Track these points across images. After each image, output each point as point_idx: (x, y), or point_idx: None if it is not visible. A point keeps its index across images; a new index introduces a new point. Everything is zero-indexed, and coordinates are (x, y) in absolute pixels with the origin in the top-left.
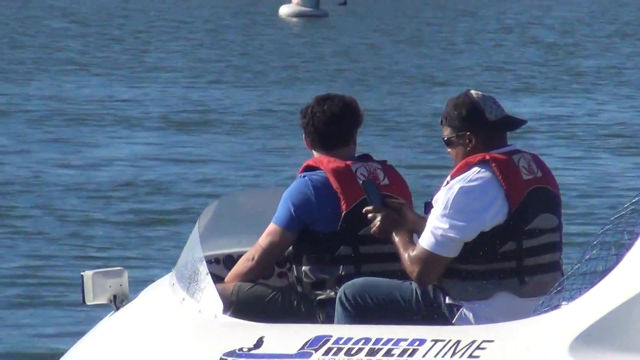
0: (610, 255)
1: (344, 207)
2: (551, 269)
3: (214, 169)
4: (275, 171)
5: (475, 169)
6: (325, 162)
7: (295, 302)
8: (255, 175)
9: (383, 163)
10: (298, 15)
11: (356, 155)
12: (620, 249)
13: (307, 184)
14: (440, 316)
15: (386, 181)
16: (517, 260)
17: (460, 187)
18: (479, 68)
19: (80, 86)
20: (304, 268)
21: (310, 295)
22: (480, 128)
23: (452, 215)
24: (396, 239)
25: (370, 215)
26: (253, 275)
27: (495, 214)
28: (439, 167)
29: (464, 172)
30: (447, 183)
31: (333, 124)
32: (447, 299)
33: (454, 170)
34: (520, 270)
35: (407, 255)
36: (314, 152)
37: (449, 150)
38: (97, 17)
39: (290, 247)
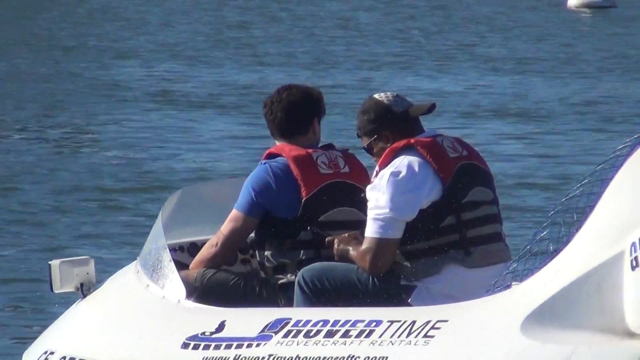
0: (561, 235)
1: (304, 193)
2: (493, 240)
3: None
4: None
5: (402, 154)
6: (287, 150)
7: (257, 287)
8: None
9: (344, 151)
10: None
11: (320, 144)
12: (570, 229)
13: (268, 171)
14: (396, 297)
15: (346, 169)
16: (458, 233)
17: (391, 173)
18: None
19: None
20: (266, 253)
21: (272, 280)
22: (392, 122)
23: (388, 199)
24: (352, 252)
25: (328, 243)
26: (217, 260)
27: (429, 191)
28: None
29: (391, 159)
30: (377, 174)
31: (291, 112)
32: (401, 280)
33: (381, 159)
34: (464, 242)
35: (357, 252)
36: (276, 141)
37: (374, 159)
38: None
39: (253, 234)
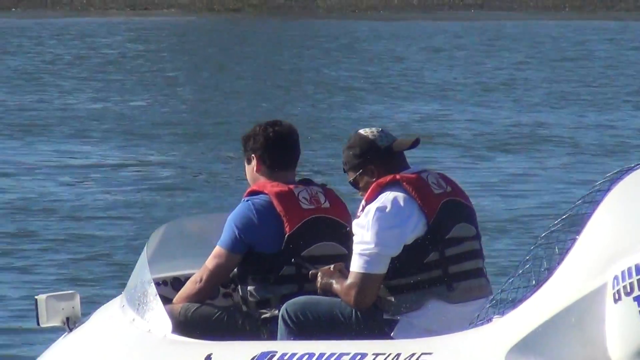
0: (542, 269)
1: (287, 228)
2: (476, 275)
3: None
4: None
5: (387, 190)
6: (269, 187)
7: (240, 321)
8: None
9: (323, 187)
10: None
11: (297, 179)
12: (551, 263)
13: (250, 207)
14: (379, 331)
15: (327, 204)
16: (442, 268)
17: (377, 208)
18: None
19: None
20: (249, 288)
21: (255, 314)
22: (377, 157)
23: (374, 235)
24: (335, 286)
25: (312, 276)
26: (201, 296)
27: (414, 227)
28: None
29: (377, 194)
30: (363, 208)
31: (282, 145)
32: (383, 314)
33: (367, 194)
34: (447, 277)
35: (342, 287)
36: (259, 176)
37: (360, 193)
38: None
39: (235, 269)
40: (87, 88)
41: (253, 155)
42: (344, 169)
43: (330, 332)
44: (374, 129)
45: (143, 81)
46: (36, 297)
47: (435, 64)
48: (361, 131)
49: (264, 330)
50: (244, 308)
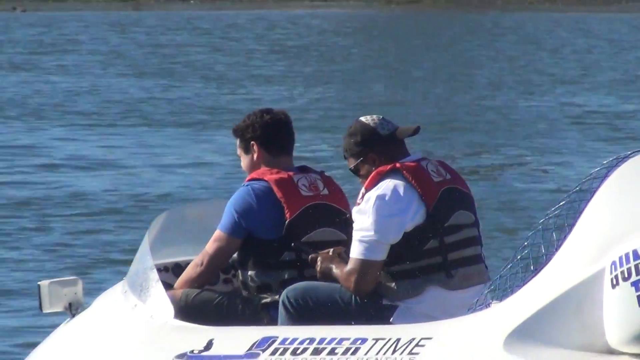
0: (541, 254)
1: (287, 215)
2: (474, 262)
3: None
4: None
5: (388, 178)
6: (269, 174)
7: (240, 306)
8: None
9: (321, 174)
10: None
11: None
12: (549, 249)
13: (249, 192)
14: (378, 317)
15: (325, 191)
16: (441, 255)
17: (377, 196)
18: None
19: None
20: (249, 273)
21: (255, 299)
22: (378, 144)
23: (374, 222)
24: (335, 271)
25: (311, 260)
26: (202, 280)
27: (413, 215)
28: None
29: (377, 182)
30: (363, 196)
31: (281, 129)
32: (383, 300)
33: (368, 182)
34: (446, 264)
35: (342, 273)
36: (259, 166)
37: (360, 180)
38: None
39: (236, 254)
40: (281, 82)
41: (253, 143)
42: (344, 156)
43: (330, 318)
44: (374, 117)
45: (326, 73)
46: (39, 282)
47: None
48: (362, 119)
49: (265, 315)
50: (245, 293)
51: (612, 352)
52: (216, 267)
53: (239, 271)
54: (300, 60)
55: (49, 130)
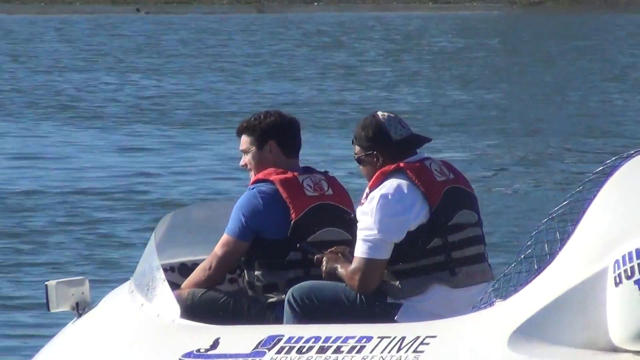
0: (544, 254)
1: (293, 215)
2: (478, 260)
3: None
4: None
5: (391, 177)
6: (274, 174)
7: (246, 305)
8: None
9: (325, 174)
10: None
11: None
12: (553, 248)
13: (256, 195)
14: (383, 315)
15: (330, 191)
16: (444, 254)
17: (381, 195)
18: None
19: None
20: (256, 273)
21: (262, 298)
22: (385, 147)
23: (378, 221)
24: (340, 270)
25: (317, 260)
26: (210, 282)
27: (417, 214)
28: None
29: (381, 181)
30: (367, 196)
31: (297, 133)
32: (387, 298)
33: (371, 182)
34: (449, 263)
35: (347, 272)
36: (269, 163)
37: (360, 167)
38: None
39: None
40: (413, 81)
41: (270, 140)
42: (352, 141)
43: (335, 316)
44: (392, 116)
45: (462, 74)
46: (46, 283)
47: None
48: (379, 114)
49: (270, 314)
50: (251, 293)
51: (615, 350)
52: (224, 270)
53: (245, 271)
54: (442, 62)
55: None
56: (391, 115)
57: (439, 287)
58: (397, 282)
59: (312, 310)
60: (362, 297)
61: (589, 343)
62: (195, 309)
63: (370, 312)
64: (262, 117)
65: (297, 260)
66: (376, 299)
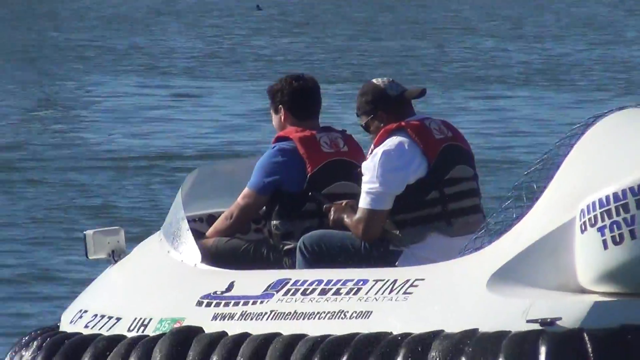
0: (524, 204)
1: (309, 169)
2: (473, 212)
3: None
4: None
5: (393, 135)
6: (294, 132)
7: (265, 252)
8: None
9: (343, 132)
10: None
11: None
12: (530, 199)
13: (276, 153)
14: (385, 261)
15: (345, 148)
16: (442, 205)
17: (383, 152)
18: None
19: None
20: (274, 222)
21: (279, 246)
22: (387, 104)
23: (380, 175)
24: (346, 220)
25: (325, 209)
26: (231, 231)
27: (416, 168)
28: None
29: (384, 139)
30: (372, 152)
31: (307, 96)
32: (390, 246)
33: (376, 139)
34: (446, 214)
35: (352, 221)
36: (285, 124)
37: (371, 135)
38: None
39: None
40: None
41: (281, 106)
42: (356, 113)
43: (342, 262)
44: (385, 79)
45: None
46: (84, 232)
47: None
48: (374, 80)
49: (287, 260)
50: (271, 241)
51: (583, 291)
52: (243, 220)
53: (266, 221)
54: None
55: None
56: (384, 78)
57: (436, 236)
58: (398, 231)
59: (321, 257)
60: (366, 244)
61: (560, 285)
62: (220, 256)
63: (373, 258)
64: (278, 82)
65: (312, 211)
66: (379, 246)
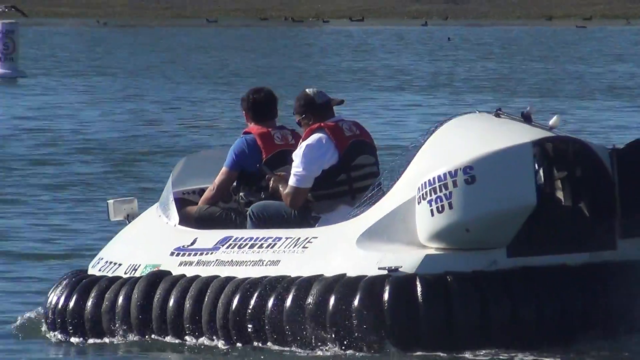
0: (391, 182)
1: (264, 155)
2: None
3: None
4: None
5: (315, 133)
6: (255, 129)
7: (233, 217)
8: None
9: (292, 131)
10: None
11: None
12: (394, 180)
13: (243, 142)
14: (309, 225)
15: (293, 142)
16: (348, 185)
17: (307, 145)
18: None
19: None
20: (240, 194)
21: (244, 212)
22: (313, 109)
23: (302, 162)
24: (280, 190)
25: (267, 178)
26: (214, 199)
27: (329, 157)
28: None
29: (308, 136)
30: (299, 145)
31: (265, 104)
32: (312, 213)
33: (303, 136)
34: (351, 190)
35: (283, 192)
36: (250, 124)
37: (302, 129)
38: None
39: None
40: None
41: (244, 112)
42: (293, 112)
43: (278, 226)
44: (314, 90)
45: None
46: (107, 200)
47: None
48: (307, 90)
49: (247, 223)
50: (239, 208)
51: (424, 247)
52: (222, 191)
53: (235, 194)
54: None
55: None
56: (314, 89)
57: (344, 207)
58: (317, 203)
59: (264, 221)
60: (295, 212)
61: (409, 242)
62: (202, 219)
63: (301, 223)
64: (245, 95)
65: (266, 186)
66: (304, 213)
